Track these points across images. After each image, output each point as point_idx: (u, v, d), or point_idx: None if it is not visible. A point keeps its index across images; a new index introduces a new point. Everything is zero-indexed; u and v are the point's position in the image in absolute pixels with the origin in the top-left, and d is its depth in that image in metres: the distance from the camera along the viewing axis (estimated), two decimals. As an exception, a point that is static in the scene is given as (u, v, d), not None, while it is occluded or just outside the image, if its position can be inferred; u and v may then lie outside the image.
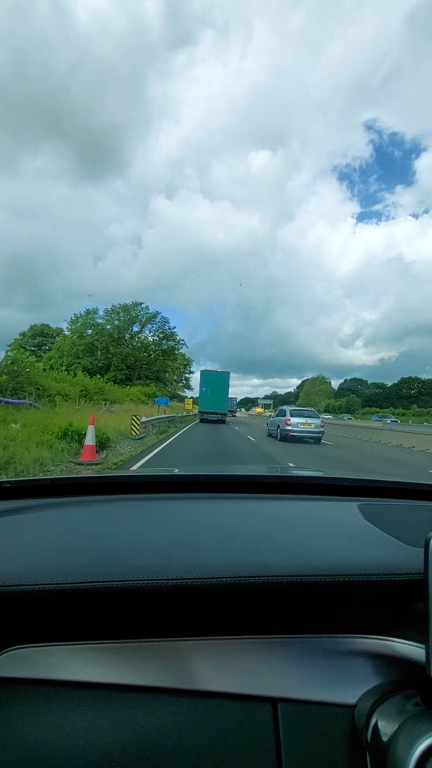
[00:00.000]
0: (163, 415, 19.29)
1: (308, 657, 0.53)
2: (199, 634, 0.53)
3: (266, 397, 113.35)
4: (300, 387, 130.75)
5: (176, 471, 1.12)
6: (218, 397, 27.01)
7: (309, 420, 14.66)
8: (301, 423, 14.44)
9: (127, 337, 43.55)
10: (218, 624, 0.53)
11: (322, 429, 14.79)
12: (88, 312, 43.34)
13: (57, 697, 0.49)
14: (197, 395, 30.41)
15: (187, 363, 55.33)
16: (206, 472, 1.11)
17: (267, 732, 0.49)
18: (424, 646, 0.47)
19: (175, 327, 47.20)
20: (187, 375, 57.81)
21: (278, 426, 15.10)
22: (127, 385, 35.23)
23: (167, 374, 47.39)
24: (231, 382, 28.86)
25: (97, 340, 39.96)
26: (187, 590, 0.50)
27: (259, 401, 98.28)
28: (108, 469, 6.93)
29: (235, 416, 49.67)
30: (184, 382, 57.46)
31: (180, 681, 0.51)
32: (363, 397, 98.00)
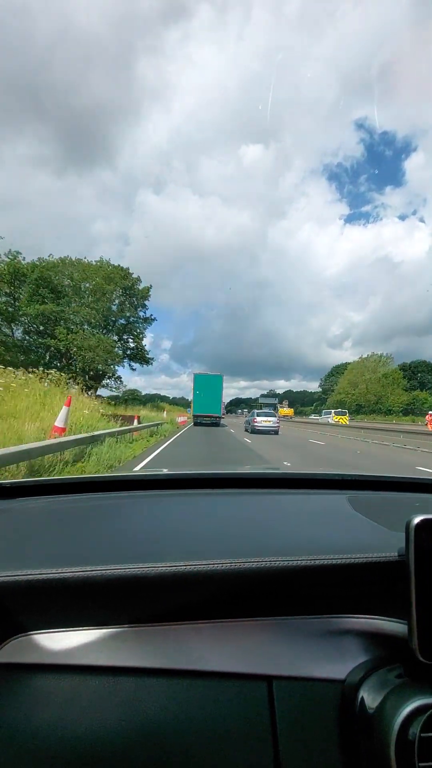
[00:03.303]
0: None
1: (301, 637, 0.56)
2: (197, 617, 0.56)
3: (265, 396, 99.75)
4: (328, 377, 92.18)
5: (173, 471, 1.17)
6: (212, 400, 27.61)
7: (269, 418, 20.78)
8: (263, 420, 20.57)
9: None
10: (215, 607, 0.56)
11: (278, 425, 20.80)
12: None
13: (63, 681, 0.51)
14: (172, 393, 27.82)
15: (144, 295, 30.61)
16: (201, 471, 1.15)
17: (263, 707, 0.52)
18: (406, 622, 0.50)
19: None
20: (140, 329, 32.61)
21: (249, 422, 21.39)
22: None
23: None
24: (218, 383, 28.79)
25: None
26: (185, 576, 0.53)
27: (260, 400, 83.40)
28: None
29: (223, 418, 46.26)
30: (135, 347, 32.46)
31: (180, 662, 0.53)
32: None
